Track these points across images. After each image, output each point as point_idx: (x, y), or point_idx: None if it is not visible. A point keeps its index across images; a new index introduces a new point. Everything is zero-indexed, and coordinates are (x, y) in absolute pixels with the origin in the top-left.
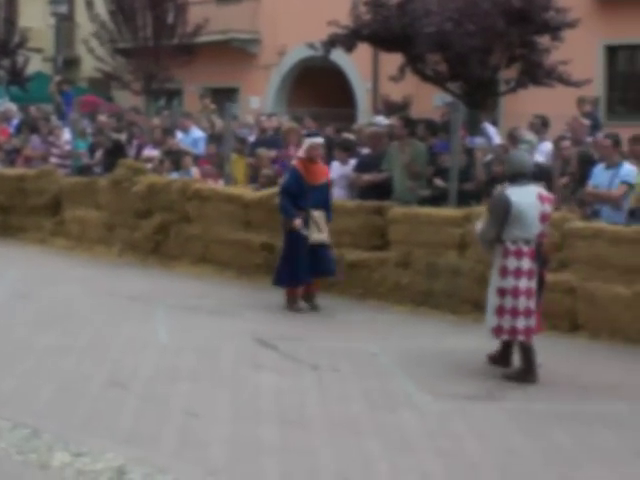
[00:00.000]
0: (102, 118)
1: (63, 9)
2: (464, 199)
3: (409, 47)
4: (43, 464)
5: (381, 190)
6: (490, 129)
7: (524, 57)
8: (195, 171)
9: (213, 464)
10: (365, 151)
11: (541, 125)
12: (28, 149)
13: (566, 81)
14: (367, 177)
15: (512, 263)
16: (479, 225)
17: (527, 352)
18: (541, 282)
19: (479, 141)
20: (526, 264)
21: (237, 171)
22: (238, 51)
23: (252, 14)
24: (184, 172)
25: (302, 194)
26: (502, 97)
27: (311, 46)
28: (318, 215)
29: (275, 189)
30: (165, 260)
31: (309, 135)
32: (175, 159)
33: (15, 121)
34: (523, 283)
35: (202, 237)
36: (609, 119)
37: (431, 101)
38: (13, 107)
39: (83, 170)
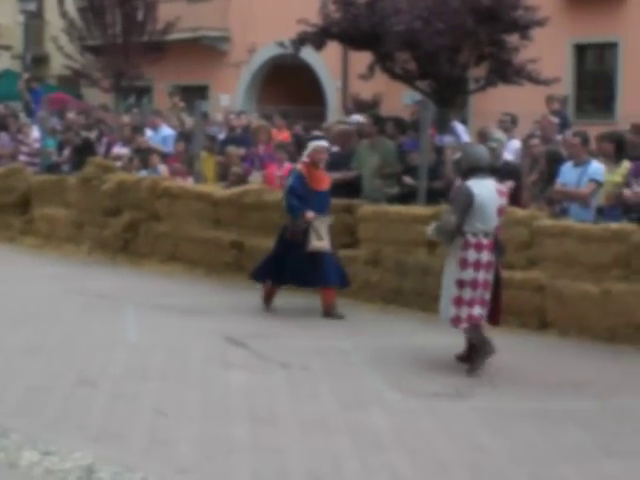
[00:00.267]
0: (71, 115)
1: (32, 6)
2: (433, 197)
3: (378, 45)
4: (11, 463)
5: (350, 188)
6: (459, 127)
7: (493, 55)
8: (163, 169)
9: (182, 463)
10: (334, 149)
11: (510, 123)
12: None
13: (535, 79)
14: (336, 175)
15: (472, 255)
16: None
17: (479, 339)
18: (497, 274)
19: (448, 139)
20: (485, 256)
21: (207, 169)
22: (208, 49)
23: (222, 12)
24: (152, 170)
25: (305, 199)
26: (471, 95)
27: (281, 44)
28: (319, 222)
29: (244, 187)
30: (134, 258)
31: (313, 138)
32: (144, 157)
33: None
34: (482, 275)
35: (171, 235)
36: (578, 117)
37: (401, 99)
38: None
39: (52, 168)
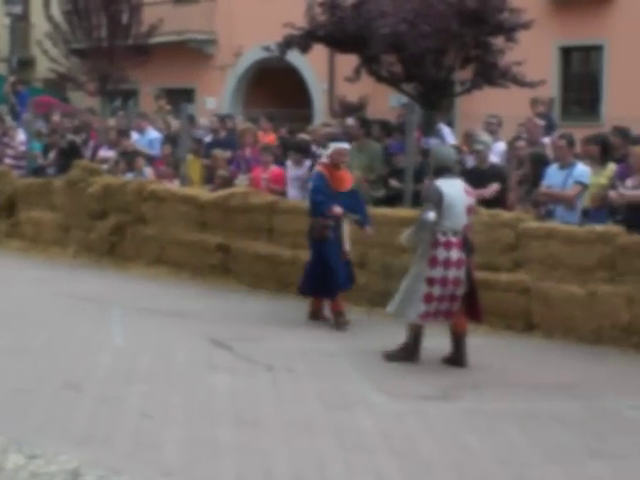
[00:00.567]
0: (56, 118)
1: (18, 9)
2: (419, 200)
3: (364, 48)
4: None
5: None
6: (445, 130)
7: (479, 58)
8: (149, 172)
9: (168, 465)
10: (320, 152)
11: (496, 125)
12: None
13: (520, 82)
14: None
15: (441, 254)
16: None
17: (417, 332)
18: (469, 272)
19: (434, 142)
20: (455, 254)
21: (193, 172)
22: (194, 52)
23: (208, 15)
24: (138, 173)
25: (330, 198)
26: (457, 98)
27: (266, 49)
28: (345, 224)
29: (230, 190)
30: (120, 261)
31: (334, 140)
32: (130, 160)
33: None
34: (452, 273)
35: (158, 238)
36: (563, 120)
37: (387, 102)
38: None
39: (37, 171)
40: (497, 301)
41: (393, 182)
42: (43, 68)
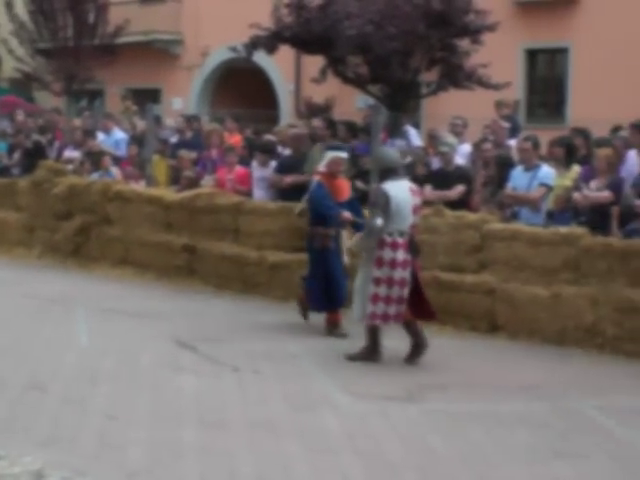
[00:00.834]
0: (20, 117)
1: None
2: None
3: (330, 49)
4: None
5: (302, 192)
6: (411, 131)
7: (444, 60)
8: (116, 171)
9: (132, 467)
10: (286, 152)
11: (462, 127)
12: None
13: (486, 84)
14: (289, 179)
15: (388, 254)
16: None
17: (374, 332)
18: (415, 272)
19: (399, 143)
20: (401, 255)
21: (159, 173)
22: (160, 52)
23: (174, 15)
24: (104, 172)
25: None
26: (423, 100)
27: (233, 49)
28: (344, 235)
29: (196, 190)
30: (85, 262)
31: (332, 148)
32: (96, 160)
33: None
34: (398, 273)
35: (123, 239)
36: (529, 122)
37: (353, 103)
38: None
39: (2, 171)
40: (462, 302)
41: (359, 183)
42: (8, 68)
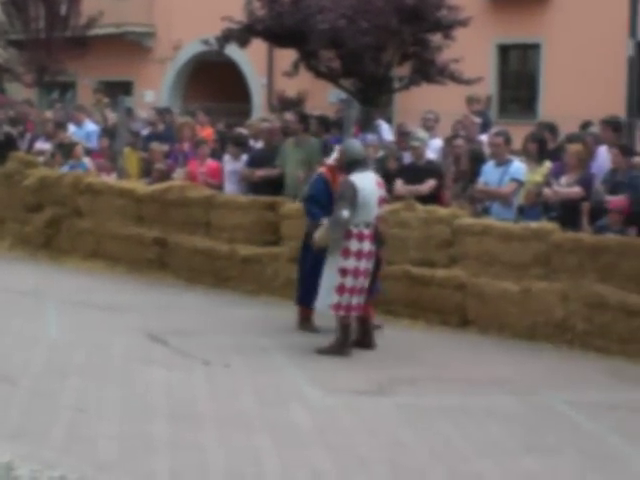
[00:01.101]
0: None
1: None
2: None
3: (303, 43)
4: None
5: (274, 185)
6: (383, 126)
7: (417, 55)
8: (89, 161)
9: (102, 460)
10: (258, 146)
11: (433, 122)
12: None
13: (458, 79)
14: (260, 172)
15: (354, 245)
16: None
17: (346, 326)
18: (378, 263)
19: (371, 138)
20: (366, 246)
21: (130, 165)
22: (133, 44)
23: (147, 8)
24: (76, 161)
25: (329, 204)
26: (395, 94)
27: (205, 42)
28: None
29: (167, 183)
30: (56, 254)
31: (341, 141)
32: (67, 152)
33: None
34: (363, 264)
35: (94, 231)
36: (501, 117)
37: (326, 97)
38: None
39: None
40: (433, 297)
41: None
42: None
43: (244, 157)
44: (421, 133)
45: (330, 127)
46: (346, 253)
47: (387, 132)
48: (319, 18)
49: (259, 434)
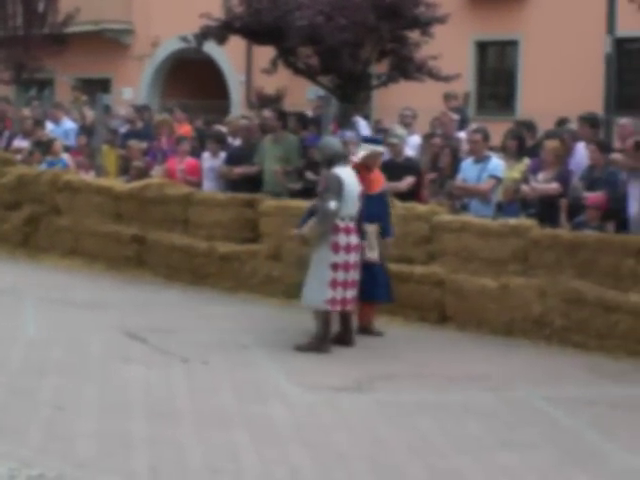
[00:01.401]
0: None
1: None
2: None
3: (281, 40)
4: None
5: (253, 183)
6: (361, 123)
7: (395, 51)
8: (68, 157)
9: (80, 458)
10: (236, 143)
11: (411, 118)
12: None
13: (436, 76)
14: (239, 170)
15: (343, 239)
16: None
17: (327, 322)
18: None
19: (349, 134)
20: (354, 239)
21: (108, 163)
22: (111, 42)
23: (125, 4)
24: (55, 158)
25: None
26: (374, 91)
27: (184, 39)
28: (371, 230)
29: (146, 181)
30: (34, 252)
31: (369, 140)
32: (45, 150)
33: None
34: (352, 257)
35: (72, 229)
36: (479, 114)
37: (304, 94)
38: None
39: None
40: (411, 293)
41: (309, 174)
42: None
43: (222, 154)
44: (399, 130)
45: (308, 124)
46: (335, 247)
47: (365, 129)
48: (297, 15)
49: (238, 431)
